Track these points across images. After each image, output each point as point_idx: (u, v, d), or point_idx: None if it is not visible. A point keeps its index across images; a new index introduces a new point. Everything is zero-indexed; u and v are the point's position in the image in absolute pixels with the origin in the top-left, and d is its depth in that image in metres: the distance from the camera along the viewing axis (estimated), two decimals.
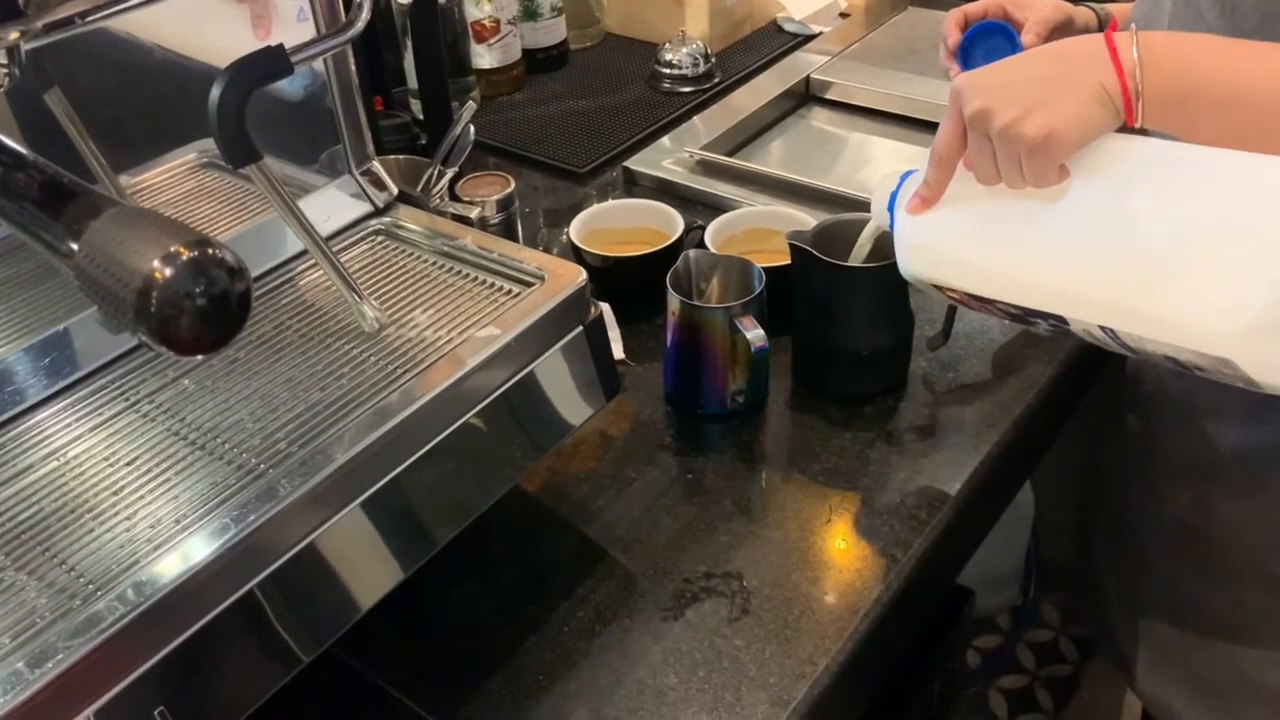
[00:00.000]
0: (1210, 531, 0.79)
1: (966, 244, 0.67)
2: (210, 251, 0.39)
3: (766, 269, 0.83)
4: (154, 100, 0.78)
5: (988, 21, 0.83)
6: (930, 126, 1.22)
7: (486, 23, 1.26)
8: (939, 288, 0.71)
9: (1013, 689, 1.59)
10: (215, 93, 0.57)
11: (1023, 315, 0.67)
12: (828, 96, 1.29)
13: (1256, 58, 0.58)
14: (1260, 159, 0.57)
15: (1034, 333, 0.82)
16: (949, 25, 0.84)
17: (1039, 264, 0.63)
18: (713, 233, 0.93)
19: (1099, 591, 0.95)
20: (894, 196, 0.71)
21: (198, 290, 0.39)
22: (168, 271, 0.38)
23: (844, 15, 1.45)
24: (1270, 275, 0.55)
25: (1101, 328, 0.62)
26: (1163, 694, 0.88)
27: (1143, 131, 0.60)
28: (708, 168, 1.12)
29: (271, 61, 0.59)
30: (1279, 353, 0.57)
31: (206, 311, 0.40)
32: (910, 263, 0.71)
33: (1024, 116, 0.59)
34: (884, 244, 0.83)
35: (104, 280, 0.38)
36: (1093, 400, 0.97)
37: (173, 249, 0.38)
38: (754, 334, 0.78)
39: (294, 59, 0.60)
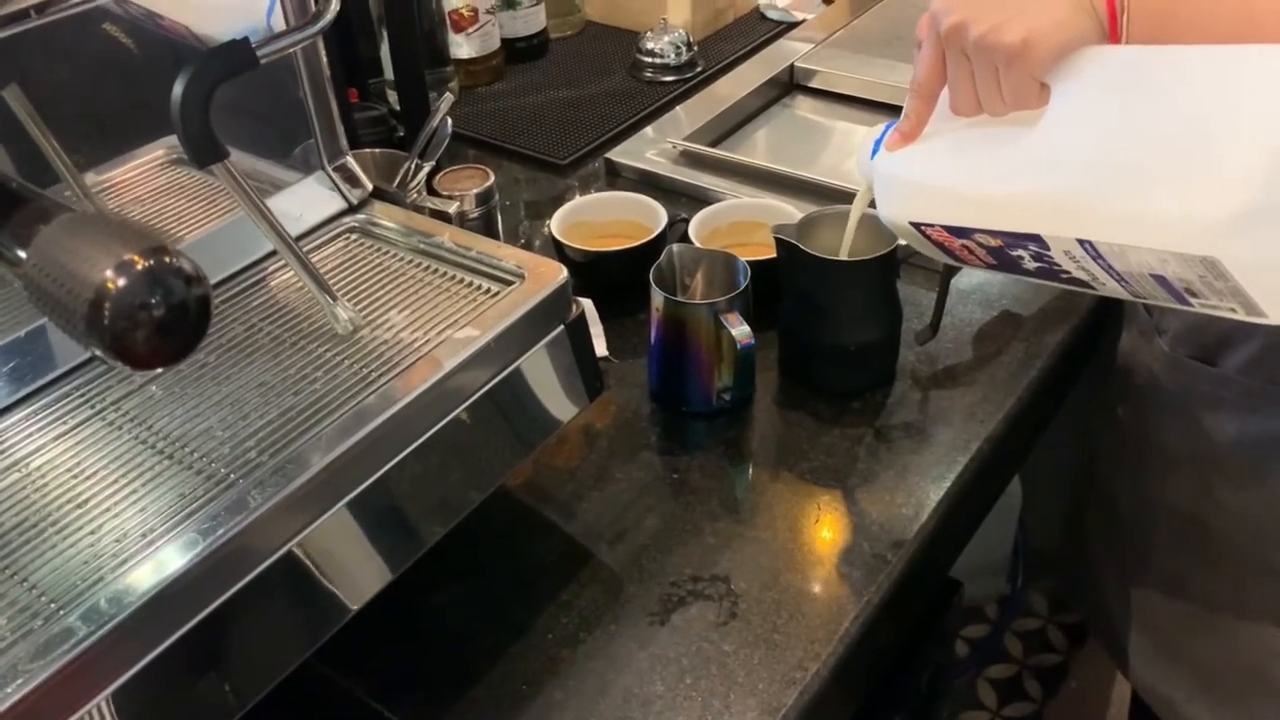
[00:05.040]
0: (1211, 522, 0.78)
1: (943, 174, 0.65)
2: (166, 259, 0.37)
3: (752, 263, 0.81)
4: (120, 94, 0.76)
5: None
6: None
7: (464, 11, 1.24)
8: (918, 228, 0.69)
9: (1001, 678, 1.58)
10: (177, 89, 0.54)
11: (1003, 248, 0.65)
12: (812, 85, 1.27)
13: None
14: (1240, 48, 0.55)
15: (1022, 282, 0.79)
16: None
17: (1015, 180, 0.61)
18: (697, 226, 0.92)
19: (1092, 580, 0.94)
20: (877, 145, 0.70)
21: (153, 301, 0.37)
22: (121, 281, 0.36)
23: (827, 2, 1.43)
24: (1252, 161, 0.53)
25: (1081, 243, 0.60)
26: (1161, 685, 0.87)
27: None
28: (691, 159, 1.10)
29: (236, 55, 0.57)
30: (1264, 247, 0.54)
31: (163, 323, 0.38)
32: (888, 202, 0.69)
33: (1001, 24, 0.57)
34: (871, 237, 0.82)
35: (54, 291, 0.36)
36: (1080, 390, 0.97)
37: (126, 257, 0.36)
38: (740, 330, 0.77)
39: (260, 53, 0.58)
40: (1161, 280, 0.59)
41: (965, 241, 0.67)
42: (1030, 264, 0.65)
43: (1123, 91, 0.58)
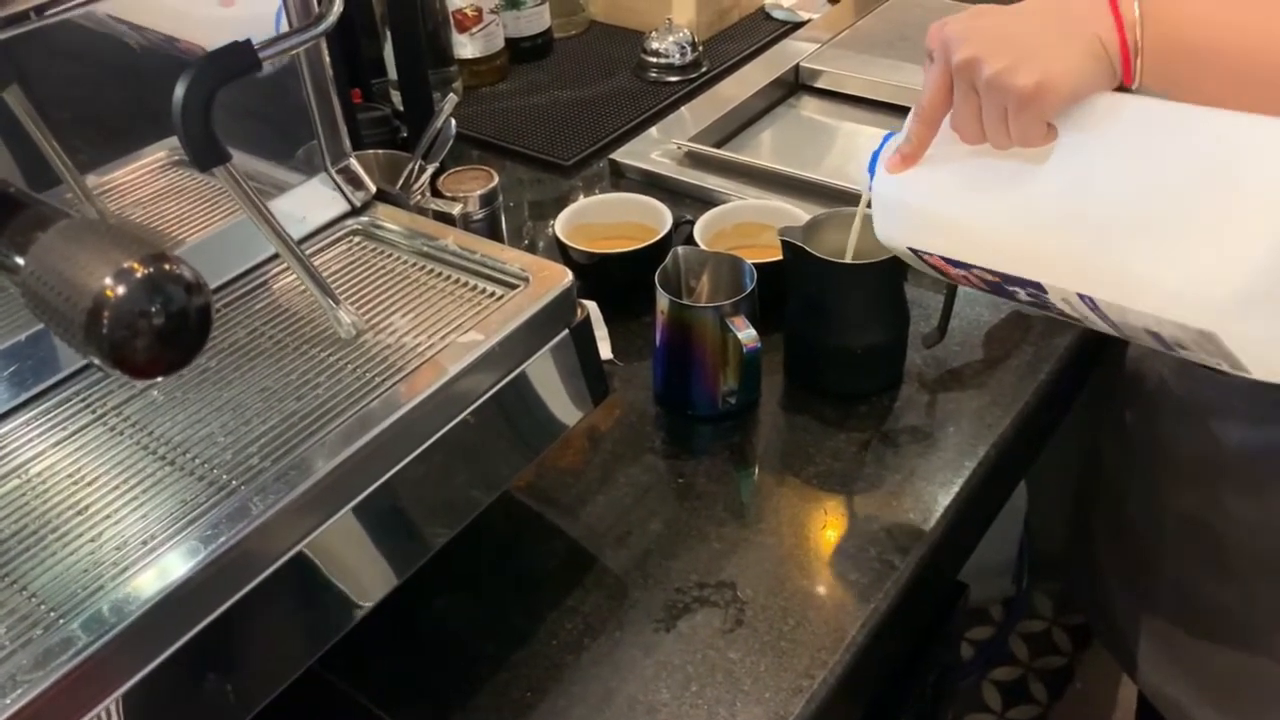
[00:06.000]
0: (1220, 529, 0.78)
1: (944, 204, 0.64)
2: (166, 267, 0.37)
3: (758, 265, 0.80)
4: (122, 95, 0.75)
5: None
6: None
7: (468, 11, 1.23)
8: (916, 253, 0.68)
9: (1006, 681, 1.58)
10: (179, 91, 0.54)
11: (1000, 283, 0.64)
12: (817, 85, 1.26)
13: (1266, 10, 0.55)
14: (1253, 117, 0.54)
15: (1017, 306, 0.79)
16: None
17: (1018, 226, 0.61)
18: (702, 228, 0.91)
19: (1097, 583, 0.94)
20: (875, 156, 0.69)
21: (153, 309, 0.37)
22: (120, 289, 0.36)
23: (833, 1, 1.43)
24: (1259, 241, 0.52)
25: (1081, 296, 0.60)
26: (1169, 687, 0.87)
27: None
28: (696, 160, 1.10)
29: (238, 57, 0.56)
30: (1263, 326, 0.54)
31: (163, 331, 0.37)
32: (886, 224, 0.68)
33: (1015, 66, 0.56)
34: (876, 241, 0.81)
35: (52, 299, 0.36)
36: (1088, 392, 0.96)
37: (125, 265, 0.36)
38: (746, 334, 0.76)
39: (262, 54, 0.57)
40: (1156, 336, 0.59)
41: (962, 271, 0.66)
42: (1025, 299, 0.65)
43: (1130, 149, 0.57)
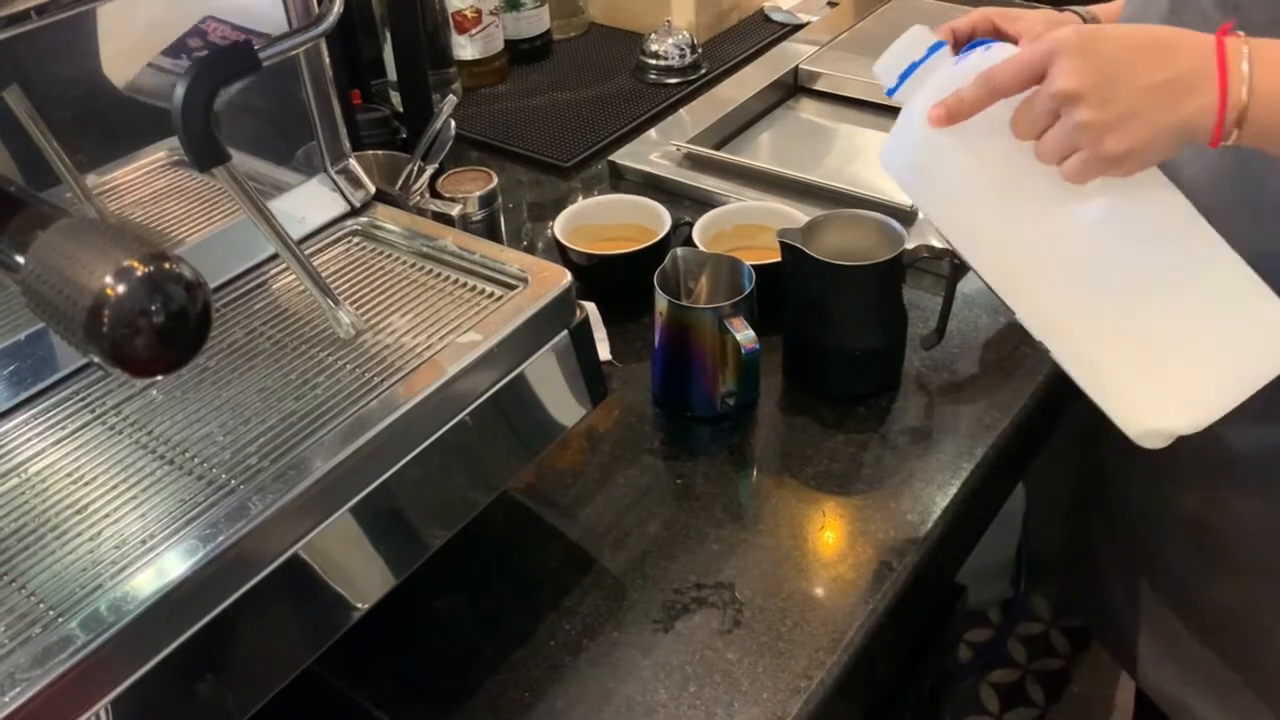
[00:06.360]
0: (1225, 529, 0.78)
1: (960, 184, 0.61)
2: (166, 266, 0.37)
3: (756, 267, 0.81)
4: (122, 95, 0.75)
5: (980, 41, 0.73)
6: None
7: (468, 13, 1.24)
8: (907, 191, 0.67)
9: (1004, 683, 1.58)
10: (179, 91, 0.54)
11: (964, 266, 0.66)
12: (816, 88, 1.27)
13: None
14: (1231, 260, 0.57)
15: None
16: (943, 33, 0.76)
17: (1017, 250, 0.61)
18: (701, 229, 0.91)
19: (1097, 584, 0.94)
20: (914, 67, 0.62)
21: (153, 308, 0.37)
22: (120, 288, 0.36)
23: (832, 4, 1.43)
24: (1200, 395, 0.58)
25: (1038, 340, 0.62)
26: (1173, 689, 0.87)
27: None
28: (695, 161, 1.10)
29: (238, 58, 0.56)
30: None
31: (163, 330, 0.37)
32: (898, 156, 0.63)
33: (1111, 124, 0.54)
34: (877, 241, 0.81)
35: (52, 298, 0.36)
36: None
37: (125, 264, 0.36)
38: (744, 335, 0.76)
39: (263, 55, 0.57)
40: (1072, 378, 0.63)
41: (945, 238, 0.67)
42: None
43: (1144, 242, 0.58)
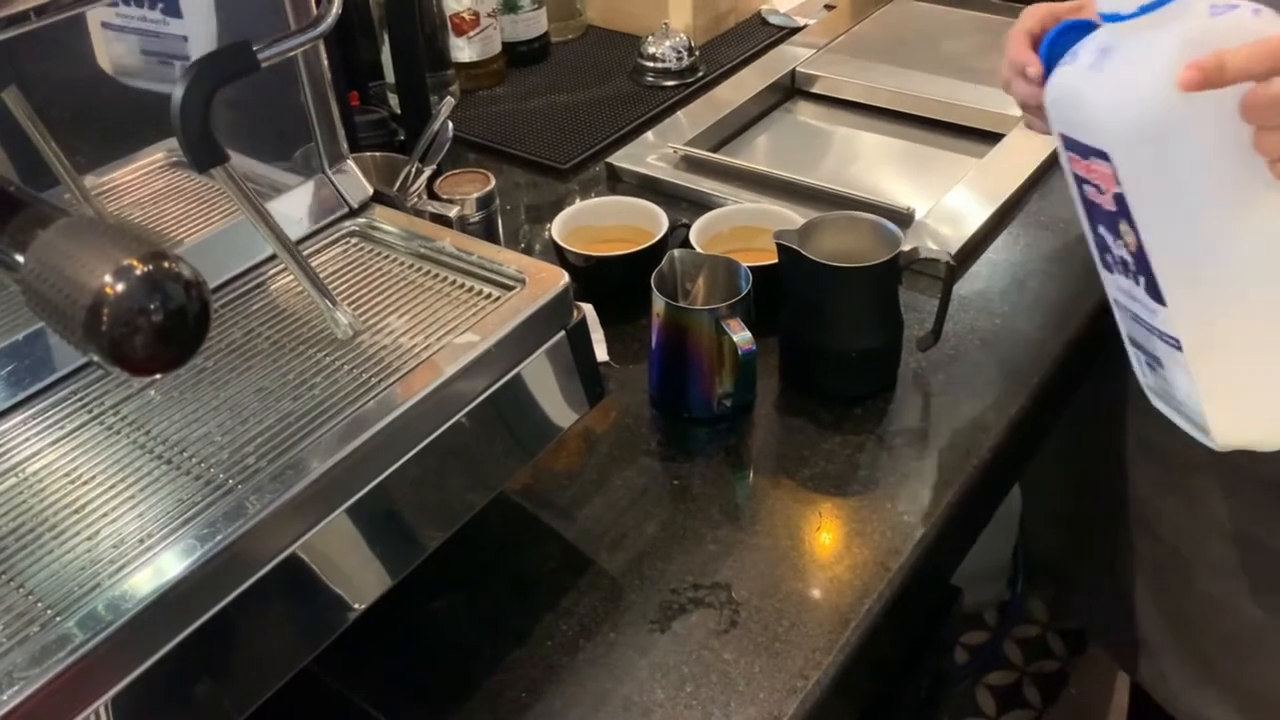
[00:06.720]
0: (1267, 543, 0.77)
1: (1180, 152, 0.53)
2: (165, 265, 0.37)
3: (753, 268, 0.81)
4: (120, 96, 0.75)
5: (1079, 21, 0.63)
6: (920, 121, 1.21)
7: (466, 15, 1.24)
8: (1070, 140, 0.58)
9: (1000, 685, 1.58)
10: (177, 92, 0.54)
11: (1127, 261, 0.58)
12: (814, 90, 1.27)
13: None
14: None
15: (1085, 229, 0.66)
16: (1019, 47, 0.66)
17: (1214, 236, 0.55)
18: (698, 231, 0.92)
19: (1103, 590, 0.94)
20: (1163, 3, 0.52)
21: (152, 307, 0.37)
22: (119, 287, 0.36)
23: (830, 7, 1.43)
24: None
25: (1170, 339, 0.58)
26: (1198, 703, 0.86)
27: None
28: (692, 164, 1.10)
29: (237, 59, 0.56)
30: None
31: (162, 329, 0.37)
32: (1102, 94, 0.55)
33: None
34: (874, 243, 0.81)
35: (52, 297, 0.36)
36: (1083, 395, 0.96)
37: (125, 263, 0.36)
38: (741, 336, 0.76)
39: (261, 56, 0.58)
40: (1151, 358, 0.63)
41: (1095, 183, 0.57)
42: (1113, 262, 0.60)
43: None
